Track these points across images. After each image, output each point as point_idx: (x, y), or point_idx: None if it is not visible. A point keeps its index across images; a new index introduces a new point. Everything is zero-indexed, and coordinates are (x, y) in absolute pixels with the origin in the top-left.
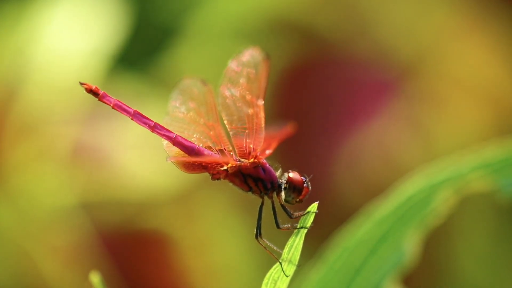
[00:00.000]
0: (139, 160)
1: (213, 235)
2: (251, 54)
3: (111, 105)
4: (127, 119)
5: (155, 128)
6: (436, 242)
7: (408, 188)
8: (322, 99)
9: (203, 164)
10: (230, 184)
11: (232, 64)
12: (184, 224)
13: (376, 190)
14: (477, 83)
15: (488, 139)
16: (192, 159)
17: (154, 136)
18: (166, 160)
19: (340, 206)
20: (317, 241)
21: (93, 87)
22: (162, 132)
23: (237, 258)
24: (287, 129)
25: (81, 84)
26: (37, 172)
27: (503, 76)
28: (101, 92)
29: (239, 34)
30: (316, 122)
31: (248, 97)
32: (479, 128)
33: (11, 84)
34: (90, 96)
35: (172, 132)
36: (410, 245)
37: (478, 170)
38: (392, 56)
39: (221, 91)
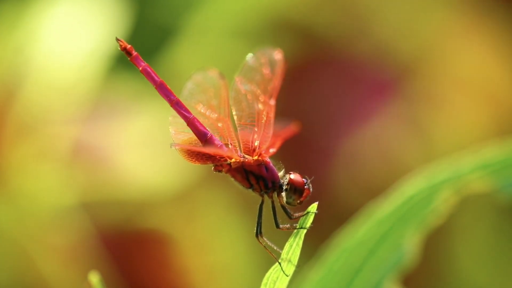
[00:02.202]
0: (138, 160)
1: (213, 234)
2: (269, 53)
3: (140, 68)
4: (127, 118)
5: (176, 103)
6: (436, 242)
7: (408, 188)
8: (321, 98)
9: (207, 155)
10: (231, 179)
11: (250, 60)
12: (184, 224)
13: (375, 190)
14: (476, 83)
15: (487, 139)
16: (197, 148)
17: (153, 136)
18: (171, 147)
19: (339, 206)
20: (316, 241)
21: (128, 46)
22: (181, 110)
23: (237, 258)
24: (291, 128)
25: (117, 40)
26: (37, 172)
27: (503, 76)
28: (134, 53)
29: (239, 34)
30: (315, 122)
31: (261, 95)
32: (479, 128)
33: (11, 84)
34: (89, 96)
35: (190, 113)
36: (410, 246)
37: (478, 170)
38: (391, 56)
39: (235, 85)
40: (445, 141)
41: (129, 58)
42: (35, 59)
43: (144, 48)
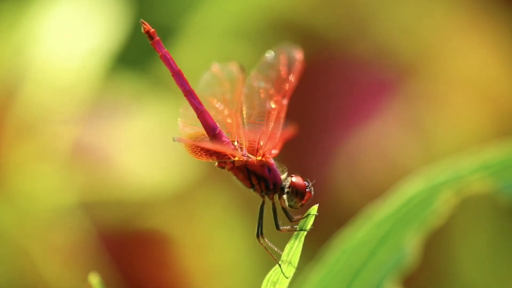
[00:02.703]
0: (138, 160)
1: (213, 235)
2: (288, 51)
3: (160, 54)
4: (127, 118)
5: (189, 94)
6: (436, 243)
7: (408, 189)
8: (321, 99)
9: (211, 151)
10: (233, 177)
11: (268, 57)
12: (184, 224)
13: (375, 191)
14: (477, 83)
15: (487, 139)
16: (200, 144)
17: (153, 136)
18: (174, 140)
19: (340, 207)
20: (316, 243)
21: (151, 30)
22: (193, 101)
23: (236, 258)
24: (289, 130)
25: (142, 23)
26: (36, 172)
27: (503, 77)
28: (156, 38)
29: (239, 34)
30: (315, 122)
31: (274, 94)
32: (479, 128)
33: (11, 84)
34: (89, 96)
35: (202, 106)
36: (410, 247)
37: (478, 171)
38: (391, 56)
39: (250, 80)
40: (446, 142)
41: (150, 42)
42: (35, 59)
43: (144, 48)
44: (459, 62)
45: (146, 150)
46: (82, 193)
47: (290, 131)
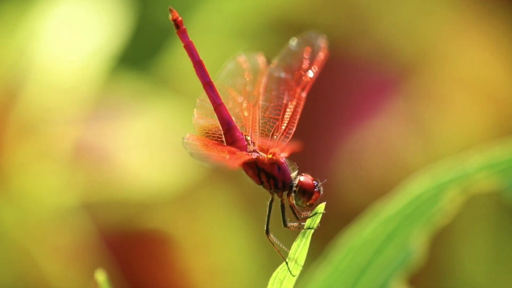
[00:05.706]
0: (140, 160)
1: (215, 234)
2: (312, 39)
3: (184, 43)
4: (128, 118)
5: (208, 85)
6: (438, 241)
7: (415, 187)
8: (324, 98)
9: (219, 150)
10: (243, 172)
11: (292, 45)
12: (186, 224)
13: (381, 189)
14: (478, 82)
15: (489, 138)
16: (210, 142)
17: (155, 136)
18: (184, 139)
19: (346, 205)
20: (323, 241)
21: (179, 19)
22: (212, 93)
23: (239, 258)
24: (293, 146)
25: (171, 10)
26: (38, 172)
27: (504, 76)
28: (183, 27)
29: (240, 34)
30: (319, 121)
31: (294, 86)
32: (480, 127)
33: (13, 85)
34: (91, 96)
35: (220, 99)
36: (416, 245)
37: (484, 169)
38: (393, 55)
39: (271, 71)
40: (448, 140)
41: (176, 31)
42: (37, 60)
43: (145, 48)
44: (460, 60)
45: (148, 150)
46: (84, 194)
47: (295, 147)
